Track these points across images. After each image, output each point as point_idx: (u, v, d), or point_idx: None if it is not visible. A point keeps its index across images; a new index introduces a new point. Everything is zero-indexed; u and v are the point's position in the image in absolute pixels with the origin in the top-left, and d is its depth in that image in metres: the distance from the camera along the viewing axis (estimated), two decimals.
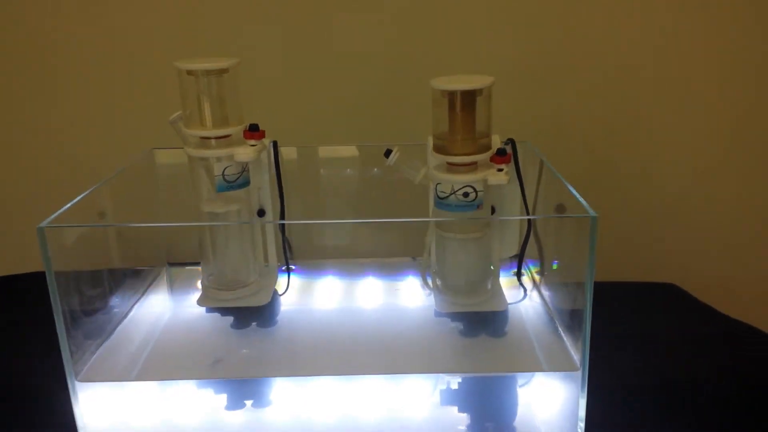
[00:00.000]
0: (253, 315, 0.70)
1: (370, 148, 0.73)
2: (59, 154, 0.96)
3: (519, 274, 0.74)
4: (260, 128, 0.68)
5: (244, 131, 0.68)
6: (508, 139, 0.72)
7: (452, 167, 0.66)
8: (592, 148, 0.94)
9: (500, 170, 0.67)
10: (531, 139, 0.75)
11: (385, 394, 0.63)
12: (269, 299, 0.70)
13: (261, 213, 0.73)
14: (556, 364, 0.63)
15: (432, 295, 0.71)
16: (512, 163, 0.70)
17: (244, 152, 0.66)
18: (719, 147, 0.95)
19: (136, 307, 0.74)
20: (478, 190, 0.66)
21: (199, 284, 0.74)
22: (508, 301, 0.71)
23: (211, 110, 0.66)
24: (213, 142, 0.66)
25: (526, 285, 0.76)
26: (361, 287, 0.78)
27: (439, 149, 0.67)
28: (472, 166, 0.66)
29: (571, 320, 0.64)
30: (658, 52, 0.89)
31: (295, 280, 0.78)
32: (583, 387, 0.58)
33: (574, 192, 0.61)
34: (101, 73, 0.92)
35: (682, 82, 0.91)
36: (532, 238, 0.74)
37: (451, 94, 0.65)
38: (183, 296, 0.77)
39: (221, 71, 0.66)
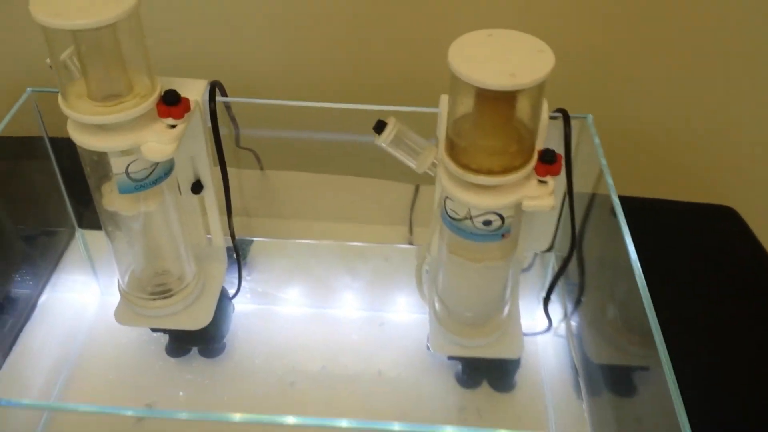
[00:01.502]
0: (193, 335, 0.53)
1: (355, 112, 0.49)
2: None
3: (547, 301, 0.55)
4: (182, 96, 0.44)
5: (158, 104, 0.44)
6: (558, 110, 0.48)
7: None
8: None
9: (542, 182, 0.45)
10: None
11: None
12: (210, 317, 0.53)
13: (197, 188, 0.52)
14: None
15: (428, 319, 0.53)
16: (562, 160, 0.46)
17: (157, 145, 0.44)
18: None
19: (42, 300, 0.57)
20: (506, 216, 0.45)
21: None
22: (525, 332, 0.54)
23: (99, 81, 0.42)
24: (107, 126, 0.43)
25: (554, 316, 0.57)
26: (337, 284, 0.59)
27: (453, 153, 0.44)
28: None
29: (605, 383, 0.48)
30: None
31: (251, 270, 0.59)
32: None
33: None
34: None
35: None
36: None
37: (482, 91, 0.40)
38: (106, 278, 0.59)
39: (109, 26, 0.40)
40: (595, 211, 0.51)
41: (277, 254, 0.60)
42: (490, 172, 0.43)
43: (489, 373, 0.53)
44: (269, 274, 0.58)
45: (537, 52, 0.40)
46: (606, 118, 0.52)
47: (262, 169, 0.61)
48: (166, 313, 0.52)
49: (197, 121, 0.49)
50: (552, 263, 0.57)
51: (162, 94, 0.44)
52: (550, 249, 0.57)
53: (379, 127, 0.47)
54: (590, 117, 0.48)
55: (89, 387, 0.53)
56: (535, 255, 0.58)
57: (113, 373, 0.54)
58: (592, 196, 0.51)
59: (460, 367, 0.53)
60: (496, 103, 0.41)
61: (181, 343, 0.54)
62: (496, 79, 0.38)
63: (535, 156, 0.44)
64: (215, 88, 0.49)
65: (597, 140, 0.48)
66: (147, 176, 0.45)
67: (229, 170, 0.52)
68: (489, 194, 0.44)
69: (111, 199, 0.47)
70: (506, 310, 0.53)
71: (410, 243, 0.60)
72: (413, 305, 0.57)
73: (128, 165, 0.44)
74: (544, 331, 0.55)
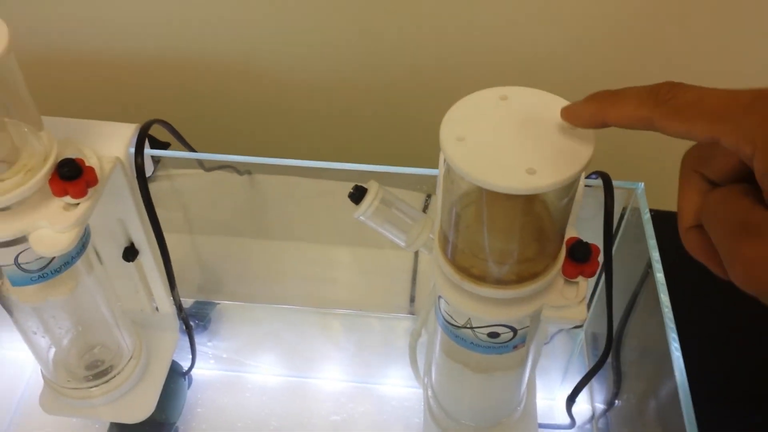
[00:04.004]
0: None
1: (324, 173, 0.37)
2: None
3: (572, 401, 0.44)
4: (86, 165, 0.33)
5: (51, 178, 0.33)
6: (596, 173, 0.36)
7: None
8: None
9: (571, 283, 0.34)
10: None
11: None
12: (153, 406, 0.43)
13: (131, 254, 0.42)
14: None
15: (424, 410, 0.43)
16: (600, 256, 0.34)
17: (50, 234, 0.33)
18: None
19: None
20: (519, 328, 0.34)
21: None
22: (542, 423, 0.43)
23: None
24: None
25: (579, 416, 0.46)
26: (316, 355, 0.49)
27: (447, 249, 0.32)
28: None
29: None
30: None
31: (206, 340, 0.48)
32: None
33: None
34: None
35: None
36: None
37: (492, 195, 0.28)
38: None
39: None
40: (643, 293, 0.39)
41: (246, 320, 0.49)
42: (498, 283, 0.31)
43: None
44: (233, 341, 0.48)
45: (570, 127, 0.28)
46: (661, 186, 0.39)
47: (250, 173, 0.49)
48: (100, 402, 0.43)
49: (120, 177, 0.38)
50: (581, 339, 0.46)
51: (56, 164, 0.33)
52: (579, 326, 0.46)
53: (357, 195, 0.36)
54: (641, 186, 0.36)
55: None
56: (560, 330, 0.47)
57: None
58: (640, 274, 0.39)
59: None
60: (508, 204, 0.29)
61: (123, 430, 0.45)
62: (508, 179, 0.26)
63: (563, 251, 0.33)
64: (144, 134, 0.38)
65: (647, 215, 0.35)
66: (45, 266, 0.35)
67: (188, 216, 0.42)
68: (497, 304, 0.33)
69: (7, 287, 0.37)
70: (519, 410, 0.42)
71: (411, 313, 0.49)
72: (409, 377, 0.47)
73: (18, 255, 0.34)
74: (566, 427, 0.45)
